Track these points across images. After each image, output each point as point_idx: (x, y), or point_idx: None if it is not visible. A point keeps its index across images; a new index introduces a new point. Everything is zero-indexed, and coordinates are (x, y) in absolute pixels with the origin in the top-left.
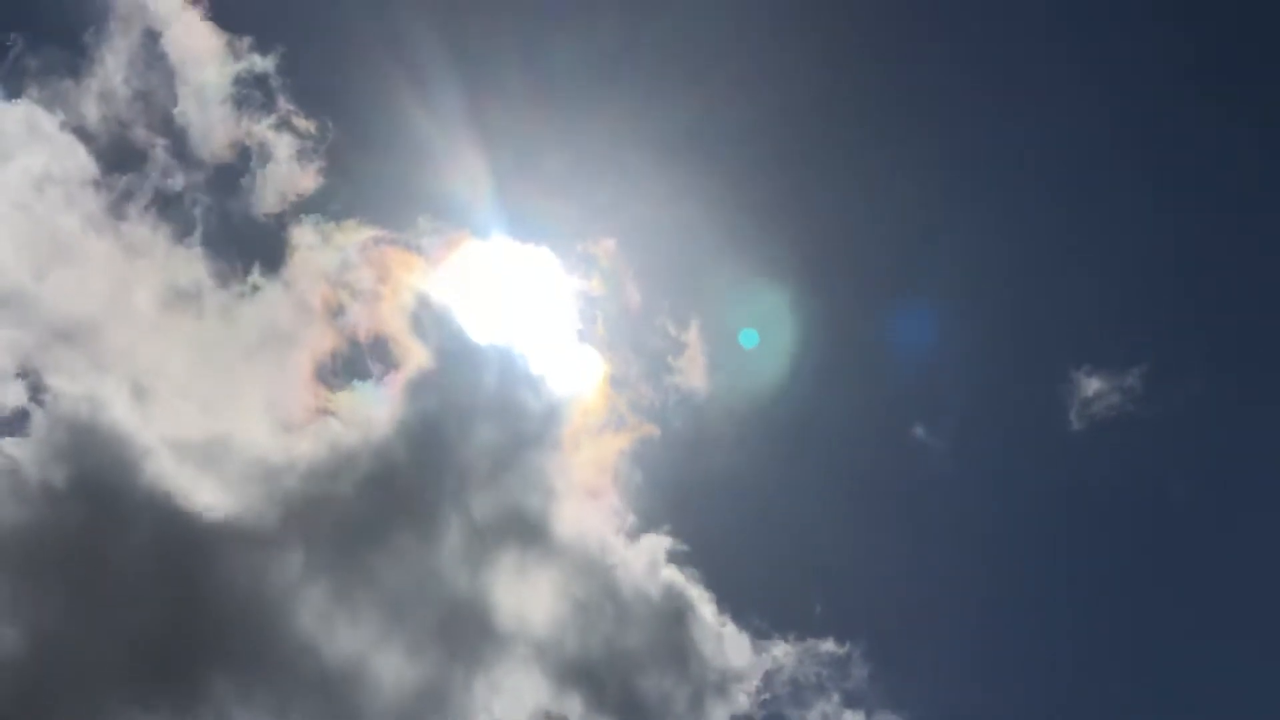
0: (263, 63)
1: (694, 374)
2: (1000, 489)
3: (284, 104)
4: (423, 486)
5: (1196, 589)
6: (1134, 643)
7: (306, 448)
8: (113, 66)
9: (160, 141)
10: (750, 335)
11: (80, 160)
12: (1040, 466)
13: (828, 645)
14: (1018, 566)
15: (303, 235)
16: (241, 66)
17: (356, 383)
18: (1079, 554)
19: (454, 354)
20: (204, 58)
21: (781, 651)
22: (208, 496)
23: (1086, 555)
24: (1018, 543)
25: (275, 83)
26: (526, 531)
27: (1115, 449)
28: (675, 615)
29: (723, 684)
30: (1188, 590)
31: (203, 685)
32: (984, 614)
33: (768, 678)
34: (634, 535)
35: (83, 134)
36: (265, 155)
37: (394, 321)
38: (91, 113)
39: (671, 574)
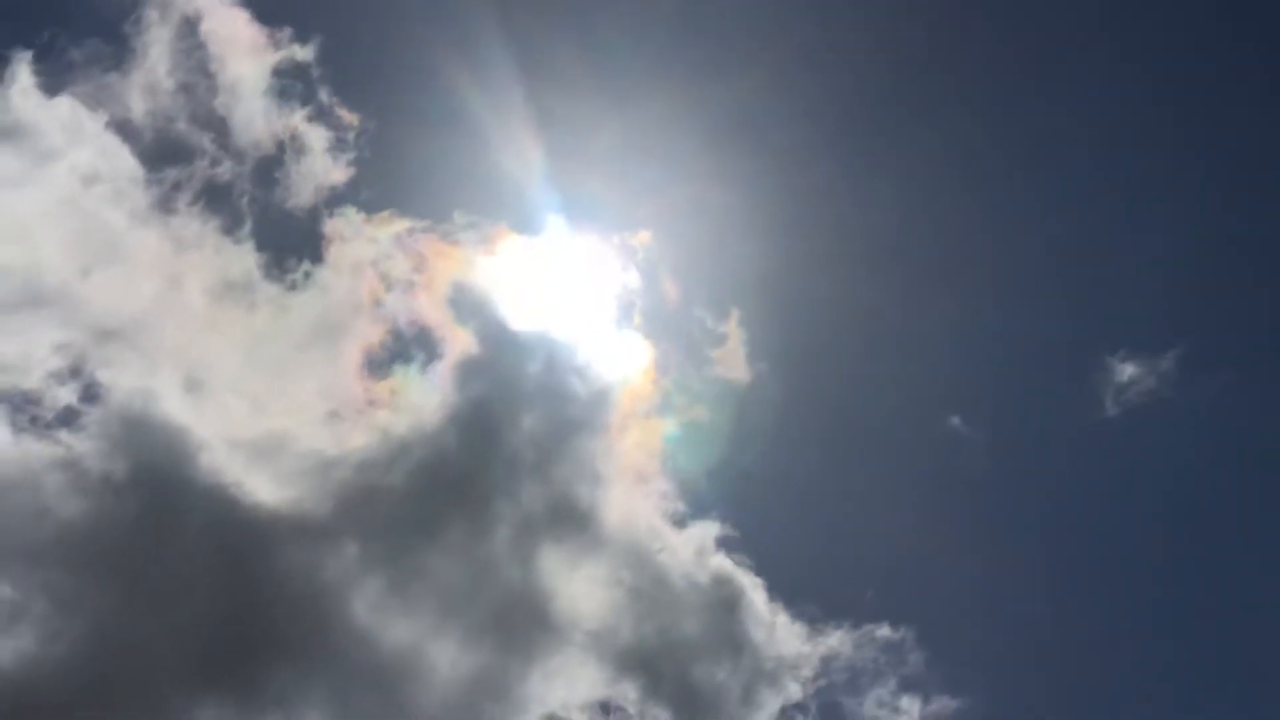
0: (302, 52)
1: (734, 366)
2: (1036, 476)
3: (325, 95)
4: (472, 474)
5: (1234, 574)
6: (1173, 625)
7: (358, 438)
8: (153, 59)
9: (204, 135)
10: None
11: (124, 155)
12: (1076, 452)
13: (883, 631)
14: (1055, 552)
15: (348, 226)
16: (281, 57)
17: (405, 373)
18: (1117, 538)
19: (499, 342)
20: (243, 49)
21: (837, 639)
22: (262, 489)
23: (1124, 539)
24: (1055, 528)
25: (315, 73)
26: (575, 517)
27: (1151, 434)
28: (728, 602)
29: (777, 672)
30: (1225, 575)
31: (261, 676)
32: (1026, 598)
33: (824, 664)
34: (682, 521)
35: (125, 129)
36: (306, 147)
37: (439, 311)
38: (134, 107)
39: (721, 561)
